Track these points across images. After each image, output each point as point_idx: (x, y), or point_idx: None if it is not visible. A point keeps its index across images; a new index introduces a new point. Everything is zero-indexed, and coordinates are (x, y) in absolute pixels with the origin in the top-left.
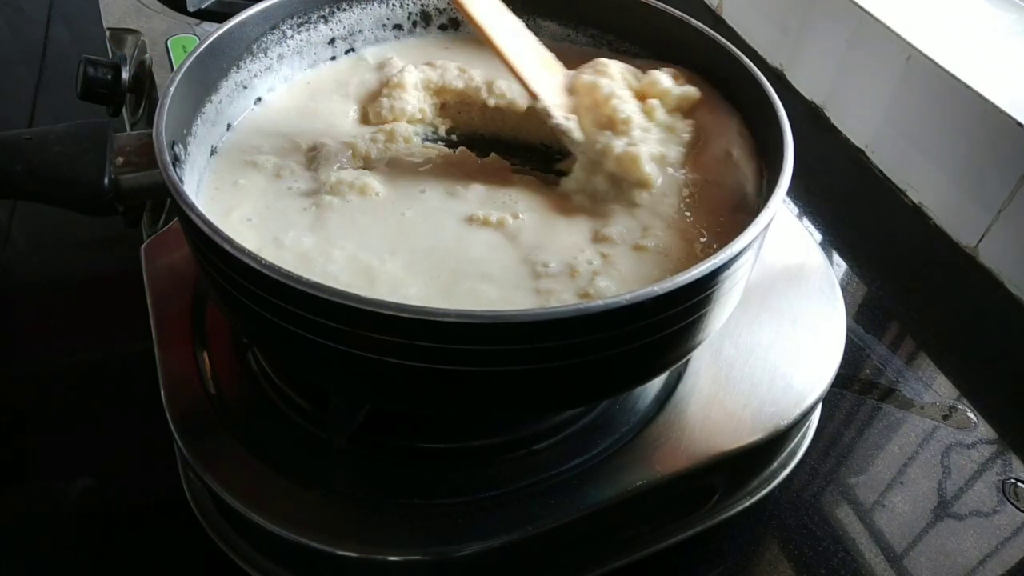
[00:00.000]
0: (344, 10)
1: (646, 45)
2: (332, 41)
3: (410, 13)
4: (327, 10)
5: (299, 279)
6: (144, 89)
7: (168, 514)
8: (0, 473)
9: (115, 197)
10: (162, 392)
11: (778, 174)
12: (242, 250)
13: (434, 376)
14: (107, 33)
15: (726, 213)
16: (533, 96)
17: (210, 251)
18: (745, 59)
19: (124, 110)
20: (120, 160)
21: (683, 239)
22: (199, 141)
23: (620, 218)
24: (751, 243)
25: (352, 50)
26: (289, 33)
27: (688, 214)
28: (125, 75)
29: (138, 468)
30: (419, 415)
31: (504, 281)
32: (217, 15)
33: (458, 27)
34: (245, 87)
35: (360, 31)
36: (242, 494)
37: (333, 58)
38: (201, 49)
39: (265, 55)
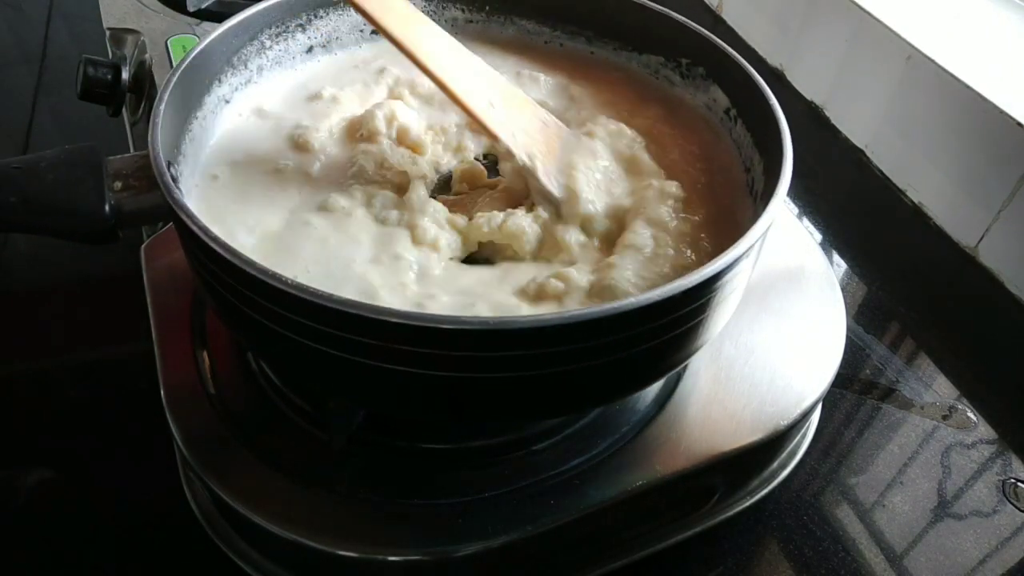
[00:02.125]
0: (321, 17)
1: (626, 40)
2: (310, 50)
3: None
4: (304, 18)
5: (330, 297)
6: (144, 89)
7: (168, 514)
8: None
9: (117, 223)
10: (162, 392)
11: (777, 177)
12: (265, 271)
13: (434, 383)
14: (107, 33)
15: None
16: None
17: (226, 272)
18: (728, 48)
19: (124, 110)
20: (118, 184)
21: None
22: (188, 160)
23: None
24: (749, 248)
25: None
26: (268, 44)
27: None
28: (125, 75)
29: (138, 468)
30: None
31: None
32: (217, 15)
33: None
34: (227, 101)
35: (338, 38)
36: (242, 494)
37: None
38: (186, 64)
39: (245, 67)
